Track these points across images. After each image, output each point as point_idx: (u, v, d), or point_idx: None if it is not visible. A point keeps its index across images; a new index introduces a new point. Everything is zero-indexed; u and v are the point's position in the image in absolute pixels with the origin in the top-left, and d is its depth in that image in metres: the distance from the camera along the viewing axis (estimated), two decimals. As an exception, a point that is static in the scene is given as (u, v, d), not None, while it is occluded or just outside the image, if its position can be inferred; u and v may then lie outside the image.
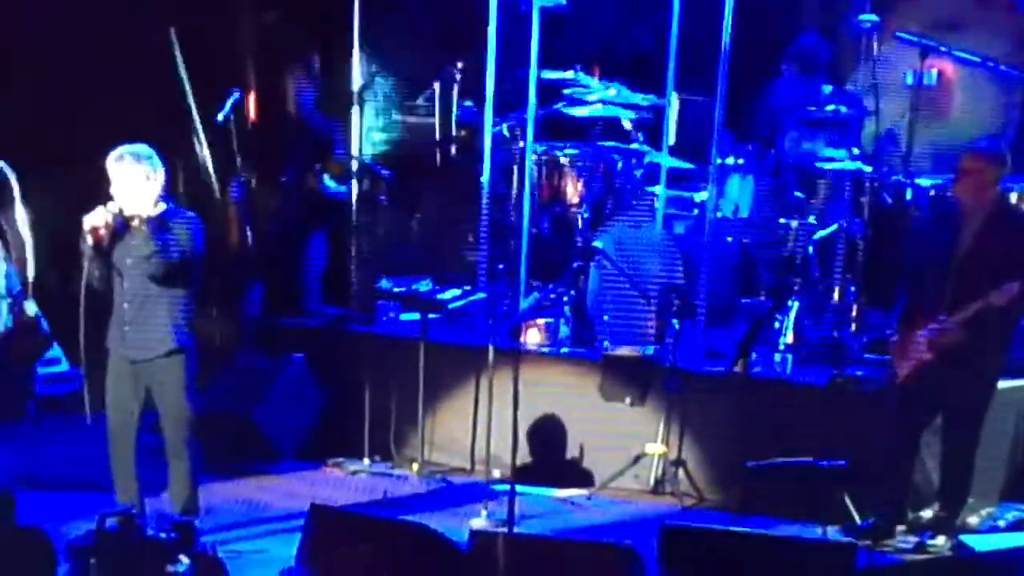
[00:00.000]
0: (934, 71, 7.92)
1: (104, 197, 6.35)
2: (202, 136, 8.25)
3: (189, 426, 6.35)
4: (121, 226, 6.26)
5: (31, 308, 7.22)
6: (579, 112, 8.28)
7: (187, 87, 8.21)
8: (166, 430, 6.36)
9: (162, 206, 6.27)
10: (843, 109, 8.00)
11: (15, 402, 7.49)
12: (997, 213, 6.67)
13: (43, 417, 7.83)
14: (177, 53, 8.21)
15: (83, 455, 6.94)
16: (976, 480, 6.85)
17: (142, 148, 6.28)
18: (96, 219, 6.18)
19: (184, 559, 4.96)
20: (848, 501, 6.87)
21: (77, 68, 8.51)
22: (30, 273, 7.07)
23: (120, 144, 6.37)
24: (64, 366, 7.98)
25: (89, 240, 6.19)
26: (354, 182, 8.49)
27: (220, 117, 8.02)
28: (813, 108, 8.11)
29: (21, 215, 7.05)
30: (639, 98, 8.23)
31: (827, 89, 8.24)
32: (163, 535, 5.11)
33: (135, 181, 6.21)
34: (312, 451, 7.91)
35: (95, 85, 8.55)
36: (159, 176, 6.25)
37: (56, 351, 7.91)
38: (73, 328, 6.71)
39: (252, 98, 8.94)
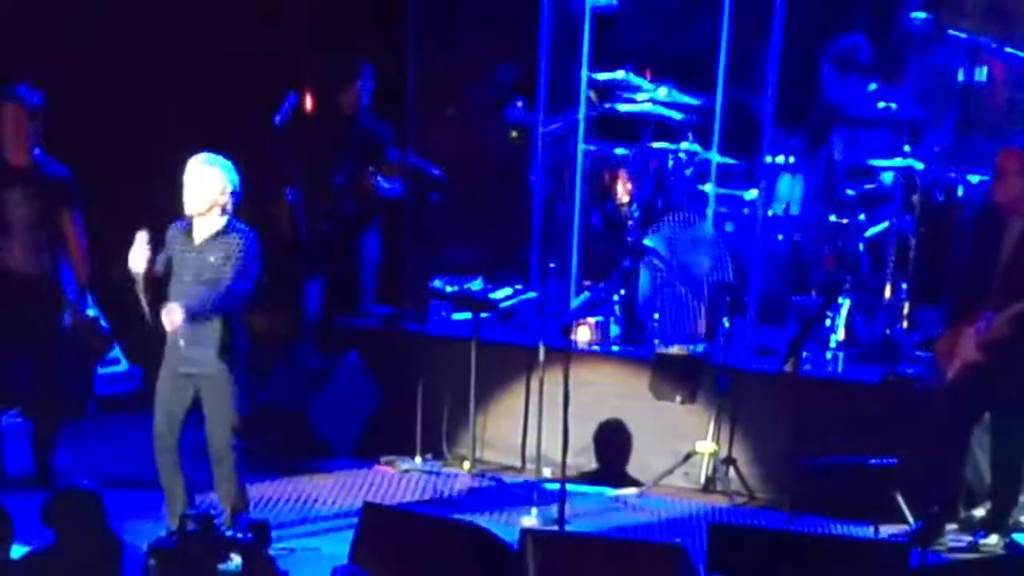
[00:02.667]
0: (984, 68, 7.89)
1: (163, 199, 6.44)
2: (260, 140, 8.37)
3: (234, 432, 6.38)
4: (181, 237, 6.34)
5: (90, 310, 7.34)
6: (628, 108, 8.30)
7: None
8: (210, 434, 6.40)
9: (224, 220, 6.33)
10: (893, 107, 7.97)
11: (76, 402, 7.61)
12: None
13: (104, 416, 7.96)
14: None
15: (143, 454, 7.03)
16: (1029, 478, 6.82)
17: (225, 161, 6.36)
18: (139, 259, 6.21)
19: (235, 557, 5.02)
20: (900, 500, 6.85)
21: (134, 71, 8.63)
22: (86, 277, 7.19)
23: (177, 148, 6.47)
24: (124, 365, 8.10)
25: (140, 281, 6.24)
26: (407, 182, 8.56)
27: (277, 120, 8.11)
28: (864, 107, 8.09)
29: (79, 219, 7.18)
30: (689, 98, 8.24)
31: (872, 86, 8.21)
32: (240, 536, 5.18)
33: (213, 186, 6.28)
34: (365, 449, 7.97)
35: (151, 87, 8.68)
36: (235, 190, 6.32)
37: (116, 351, 8.03)
38: (132, 328, 6.83)
39: (308, 100, 9.04)
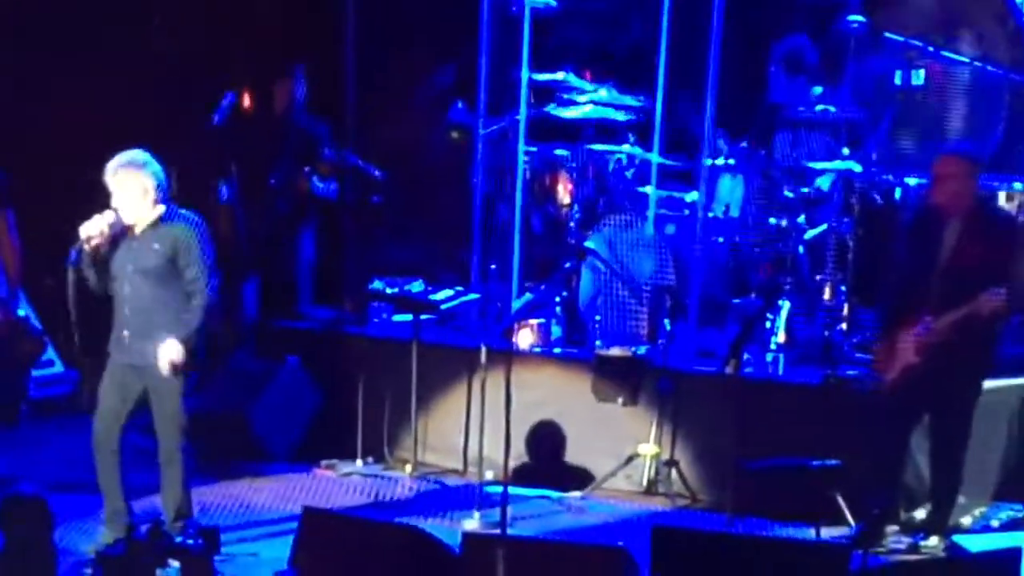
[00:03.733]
0: (921, 71, 7.96)
1: (98, 199, 6.35)
2: (197, 139, 8.28)
3: (183, 433, 6.34)
4: (121, 232, 6.26)
5: (19, 310, 7.21)
6: (570, 113, 8.30)
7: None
8: (160, 436, 6.35)
9: (161, 209, 6.26)
10: (832, 109, 8.02)
11: (8, 405, 7.48)
12: (977, 214, 6.68)
13: (37, 419, 7.83)
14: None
15: (77, 457, 6.93)
16: (969, 480, 6.86)
17: (138, 155, 6.26)
18: (92, 228, 6.18)
19: (173, 563, 4.95)
20: (841, 502, 6.88)
21: (69, 71, 8.51)
22: (18, 276, 7.07)
23: (113, 148, 6.36)
24: (58, 368, 7.98)
25: (87, 248, 6.18)
26: (346, 183, 8.50)
27: (216, 119, 8.03)
28: (803, 109, 8.13)
29: (11, 218, 7.07)
30: (630, 99, 8.24)
31: (817, 90, 8.26)
32: (190, 542, 5.11)
33: (134, 191, 6.21)
34: (305, 453, 7.91)
35: (87, 88, 8.55)
36: (158, 182, 6.24)
37: (50, 353, 7.90)
38: (68, 330, 6.72)
39: (246, 99, 8.95)
